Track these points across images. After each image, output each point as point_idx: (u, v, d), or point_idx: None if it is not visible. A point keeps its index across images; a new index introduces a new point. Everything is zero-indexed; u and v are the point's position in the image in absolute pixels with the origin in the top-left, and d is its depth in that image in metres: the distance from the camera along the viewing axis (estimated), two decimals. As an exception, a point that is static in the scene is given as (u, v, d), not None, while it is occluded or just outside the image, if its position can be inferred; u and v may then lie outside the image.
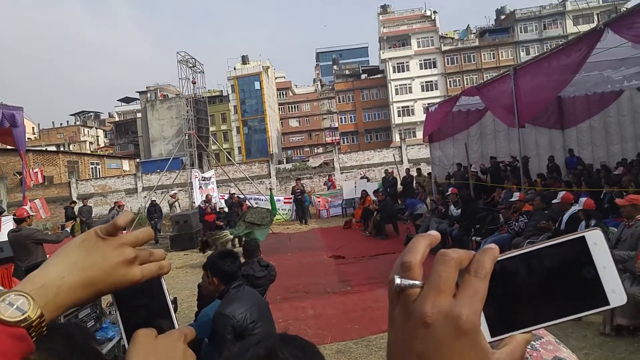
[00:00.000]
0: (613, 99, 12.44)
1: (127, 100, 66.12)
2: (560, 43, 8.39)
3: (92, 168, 35.28)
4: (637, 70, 10.00)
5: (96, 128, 69.06)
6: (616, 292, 0.42)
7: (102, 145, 64.60)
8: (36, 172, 10.37)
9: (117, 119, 68.08)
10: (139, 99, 53.32)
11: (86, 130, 65.00)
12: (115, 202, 19.04)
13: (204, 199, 15.34)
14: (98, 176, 32.87)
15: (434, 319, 0.40)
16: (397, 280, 0.43)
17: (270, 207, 14.30)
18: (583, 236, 0.43)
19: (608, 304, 0.42)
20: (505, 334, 0.43)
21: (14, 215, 6.81)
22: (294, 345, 0.62)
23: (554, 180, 10.37)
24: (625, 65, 9.31)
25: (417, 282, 0.42)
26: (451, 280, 0.41)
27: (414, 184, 16.67)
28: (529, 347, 0.60)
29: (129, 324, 0.63)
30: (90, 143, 62.72)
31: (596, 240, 0.42)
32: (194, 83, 21.59)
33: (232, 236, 11.17)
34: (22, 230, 6.53)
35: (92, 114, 77.01)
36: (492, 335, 0.43)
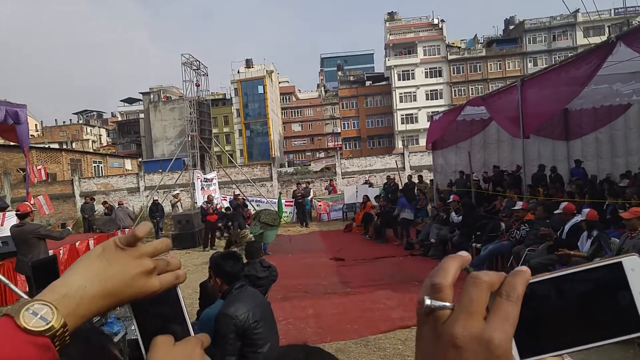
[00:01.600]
0: (621, 112, 12.44)
1: (130, 100, 66.39)
2: (570, 55, 8.39)
3: (94, 166, 35.34)
4: (647, 84, 10.00)
5: (99, 127, 69.23)
6: None
7: (104, 144, 64.70)
8: (40, 169, 10.39)
9: (119, 118, 68.35)
10: (142, 100, 53.53)
11: (89, 129, 65.14)
12: (103, 202, 19.00)
13: (205, 199, 15.36)
14: (101, 174, 32.92)
15: (465, 341, 0.40)
16: (427, 302, 0.42)
17: (277, 210, 14.45)
18: (620, 262, 0.42)
19: None
20: (534, 356, 0.43)
21: (17, 210, 6.83)
22: (318, 355, 0.62)
23: (556, 191, 10.36)
24: (636, 79, 9.30)
25: (447, 304, 0.42)
26: (482, 303, 0.41)
27: (415, 191, 16.67)
28: None
29: (146, 331, 0.63)
30: (93, 142, 62.85)
31: (633, 266, 0.41)
32: (197, 85, 21.69)
33: (252, 235, 11.37)
34: (26, 225, 6.56)
35: (94, 113, 77.25)
36: (522, 358, 0.42)
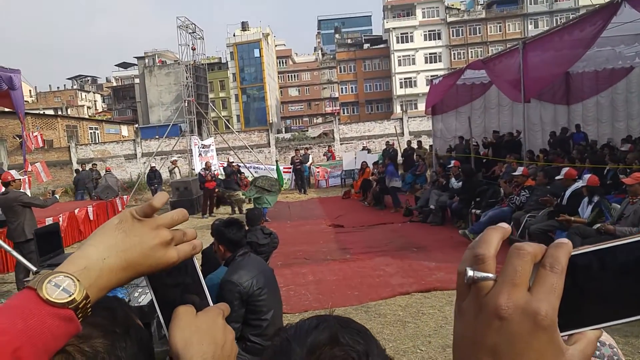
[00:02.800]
0: (623, 75, 12.26)
1: (124, 65, 65.11)
2: (572, 16, 8.18)
3: (91, 133, 35.07)
4: (649, 47, 9.81)
5: (94, 92, 68.14)
6: None
7: (99, 110, 63.88)
8: (36, 135, 10.22)
9: (114, 84, 67.18)
10: (136, 65, 52.47)
11: (83, 94, 64.10)
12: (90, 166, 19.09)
13: (203, 166, 15.31)
14: (97, 141, 32.68)
15: (510, 312, 0.39)
16: (470, 273, 0.42)
17: (277, 177, 14.51)
18: None
19: None
20: (574, 329, 0.43)
21: None
22: (351, 329, 0.61)
23: (557, 156, 10.34)
24: (639, 42, 9.12)
25: (490, 275, 0.41)
26: (526, 274, 0.41)
27: (415, 156, 16.65)
28: None
29: (164, 303, 0.63)
30: (88, 107, 62.02)
31: None
32: (193, 49, 21.18)
33: (244, 197, 11.47)
34: (9, 193, 6.63)
35: (89, 78, 75.96)
36: (561, 331, 0.42)
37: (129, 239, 0.57)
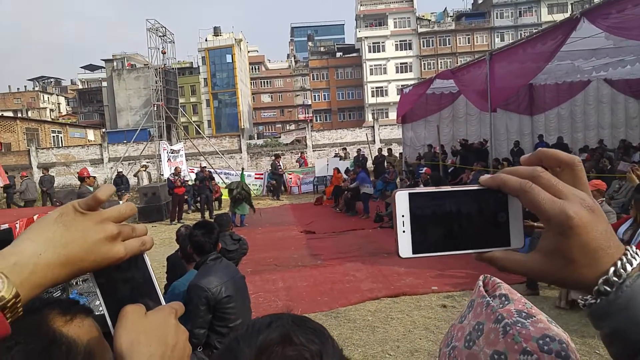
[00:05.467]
0: (581, 88, 12.84)
1: (91, 67, 63.33)
2: (535, 31, 8.51)
3: (53, 136, 33.84)
4: (606, 62, 10.30)
5: (57, 95, 65.86)
6: (517, 238, 0.52)
7: (64, 113, 61.83)
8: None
9: (80, 86, 65.22)
10: (104, 67, 51.16)
11: (46, 96, 61.87)
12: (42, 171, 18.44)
13: (173, 171, 15.03)
14: (60, 145, 31.60)
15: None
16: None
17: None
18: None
19: (509, 245, 0.52)
20: (425, 253, 0.51)
21: None
22: (306, 328, 0.58)
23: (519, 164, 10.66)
24: (596, 56, 9.57)
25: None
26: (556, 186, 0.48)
27: (385, 164, 16.85)
28: (518, 325, 0.61)
29: (112, 302, 0.59)
30: (51, 110, 59.91)
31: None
32: (163, 53, 20.91)
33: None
34: (81, 188, 7.06)
35: (52, 80, 73.38)
36: (414, 253, 0.51)
37: (70, 233, 0.53)
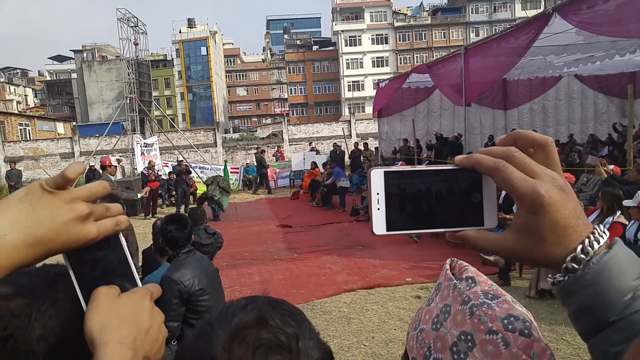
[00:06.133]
0: (553, 83, 13.15)
1: (59, 58, 61.42)
2: (509, 26, 8.65)
3: (20, 129, 32.71)
4: (577, 57, 10.56)
5: (24, 86, 63.55)
6: (491, 218, 0.53)
7: (31, 105, 59.76)
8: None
9: (48, 78, 63.21)
10: (73, 58, 49.67)
11: (12, 88, 59.56)
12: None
13: (146, 165, 14.76)
14: (28, 138, 30.57)
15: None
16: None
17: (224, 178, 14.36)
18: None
19: (483, 225, 0.52)
20: (398, 231, 0.52)
21: None
22: (282, 310, 0.57)
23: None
24: (567, 52, 9.80)
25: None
26: (530, 166, 0.48)
27: (362, 158, 16.94)
28: (484, 306, 0.62)
29: (85, 282, 0.57)
30: (18, 102, 57.77)
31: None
32: (136, 44, 20.43)
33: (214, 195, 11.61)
34: (102, 176, 6.98)
35: (18, 71, 70.79)
36: (388, 230, 0.51)
37: (37, 213, 0.50)
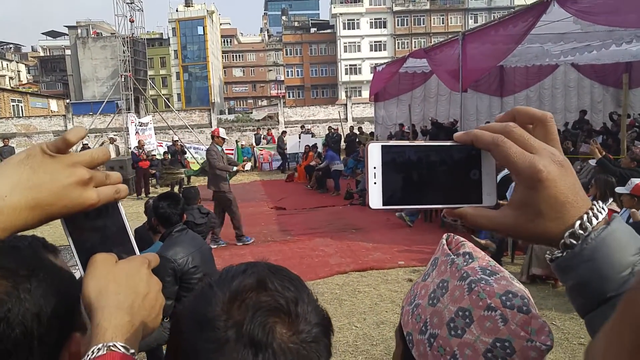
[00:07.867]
0: (549, 72, 13.10)
1: (53, 34, 60.34)
2: (507, 13, 8.59)
3: (13, 106, 32.29)
4: (573, 46, 10.51)
5: (17, 62, 62.53)
6: (490, 196, 0.52)
7: (24, 81, 58.89)
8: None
9: (42, 54, 62.19)
10: (67, 35, 48.81)
11: (5, 63, 58.62)
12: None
13: (136, 144, 14.66)
14: (21, 115, 30.21)
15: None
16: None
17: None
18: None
19: (481, 202, 0.51)
20: (395, 205, 0.52)
21: None
22: (282, 275, 0.58)
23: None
24: (564, 40, 9.75)
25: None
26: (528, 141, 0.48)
27: (357, 142, 16.92)
28: (483, 282, 0.63)
29: (83, 249, 0.58)
30: (11, 78, 56.94)
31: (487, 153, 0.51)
32: (131, 21, 20.11)
33: (183, 175, 11.30)
34: (210, 145, 7.39)
35: (11, 46, 69.49)
36: (384, 204, 0.51)
37: (37, 176, 0.50)
